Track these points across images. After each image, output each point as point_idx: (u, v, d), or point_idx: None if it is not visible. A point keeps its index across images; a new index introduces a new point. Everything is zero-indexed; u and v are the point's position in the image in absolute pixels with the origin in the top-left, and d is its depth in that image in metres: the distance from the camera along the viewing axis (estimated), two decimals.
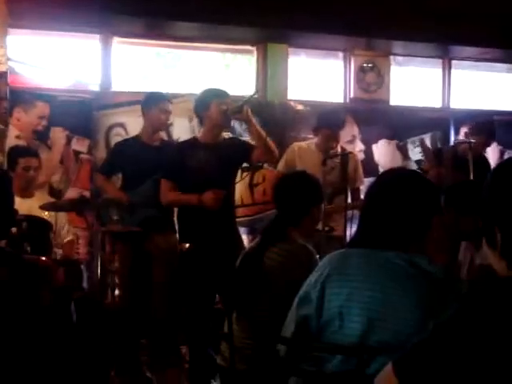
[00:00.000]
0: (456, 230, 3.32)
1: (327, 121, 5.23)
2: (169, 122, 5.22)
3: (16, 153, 4.93)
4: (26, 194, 4.81)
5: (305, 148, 5.31)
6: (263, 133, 4.50)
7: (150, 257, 4.86)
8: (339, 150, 5.25)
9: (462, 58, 7.01)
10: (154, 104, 4.95)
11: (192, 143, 4.58)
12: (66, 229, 4.98)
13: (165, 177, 4.53)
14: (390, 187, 2.25)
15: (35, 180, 4.93)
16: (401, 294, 2.04)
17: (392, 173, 2.51)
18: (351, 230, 4.56)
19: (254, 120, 4.52)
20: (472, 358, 1.30)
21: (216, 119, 4.46)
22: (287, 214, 3.06)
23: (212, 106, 4.45)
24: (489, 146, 5.73)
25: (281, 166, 5.34)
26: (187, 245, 4.37)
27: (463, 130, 5.60)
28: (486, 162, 5.64)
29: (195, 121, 5.95)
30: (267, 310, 2.87)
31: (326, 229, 4.60)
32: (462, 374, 1.32)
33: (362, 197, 5.15)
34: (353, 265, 2.17)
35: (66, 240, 4.94)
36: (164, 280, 4.83)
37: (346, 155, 4.94)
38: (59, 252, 4.77)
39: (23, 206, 4.46)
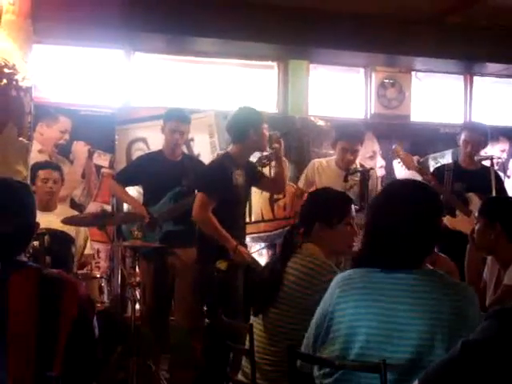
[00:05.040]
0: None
1: (344, 133, 5.29)
2: (184, 140, 5.19)
3: (37, 166, 4.96)
4: (47, 207, 4.84)
5: (325, 165, 5.37)
6: (287, 168, 4.71)
7: (172, 271, 4.87)
8: (358, 165, 5.25)
9: (484, 74, 6.98)
10: (165, 124, 4.98)
11: (230, 161, 4.51)
12: (89, 245, 5.02)
13: (207, 193, 4.38)
14: (397, 200, 2.17)
15: (55, 193, 4.95)
16: (407, 315, 2.02)
17: (396, 184, 2.43)
18: None
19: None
20: (506, 378, 1.28)
21: (258, 142, 4.49)
22: (303, 227, 3.05)
23: (257, 128, 4.47)
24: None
25: (301, 182, 5.46)
26: (224, 264, 4.37)
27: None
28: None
29: (216, 136, 5.99)
30: (286, 323, 2.86)
31: None
32: None
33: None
34: (358, 286, 2.15)
35: (85, 253, 4.97)
36: (187, 294, 4.84)
37: (367, 171, 4.93)
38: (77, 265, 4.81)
39: (44, 219, 4.48)
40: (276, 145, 4.65)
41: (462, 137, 5.42)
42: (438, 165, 6.16)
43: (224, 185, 4.37)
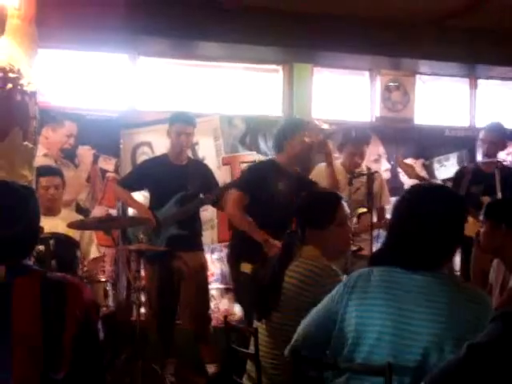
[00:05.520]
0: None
1: (351, 137, 5.30)
2: (190, 142, 5.17)
3: (38, 172, 4.96)
4: (51, 212, 4.84)
5: None
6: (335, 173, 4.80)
7: (177, 275, 4.87)
8: (365, 168, 5.25)
9: (489, 77, 6.97)
10: (171, 127, 4.98)
11: (271, 166, 4.60)
12: (94, 248, 5.01)
13: (239, 188, 4.50)
14: (422, 202, 2.20)
15: (57, 199, 4.94)
16: (420, 317, 2.02)
17: (421, 187, 2.46)
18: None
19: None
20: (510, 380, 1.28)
21: (298, 149, 4.58)
22: (299, 230, 3.04)
23: (293, 136, 4.57)
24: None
25: None
26: (249, 266, 4.33)
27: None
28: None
29: (221, 140, 5.99)
30: (289, 327, 2.86)
31: (354, 248, 4.58)
32: None
33: (388, 215, 5.15)
34: (375, 283, 2.15)
35: (92, 257, 4.96)
36: (192, 297, 4.84)
37: (371, 174, 4.93)
38: (84, 269, 4.80)
39: (50, 223, 4.49)
40: (324, 149, 4.75)
41: (480, 136, 5.39)
42: (443, 168, 6.16)
43: (257, 183, 4.45)
